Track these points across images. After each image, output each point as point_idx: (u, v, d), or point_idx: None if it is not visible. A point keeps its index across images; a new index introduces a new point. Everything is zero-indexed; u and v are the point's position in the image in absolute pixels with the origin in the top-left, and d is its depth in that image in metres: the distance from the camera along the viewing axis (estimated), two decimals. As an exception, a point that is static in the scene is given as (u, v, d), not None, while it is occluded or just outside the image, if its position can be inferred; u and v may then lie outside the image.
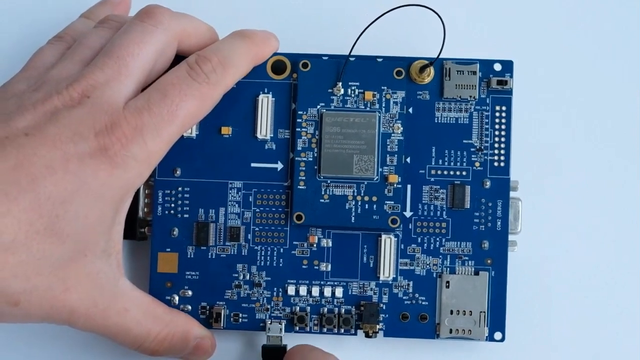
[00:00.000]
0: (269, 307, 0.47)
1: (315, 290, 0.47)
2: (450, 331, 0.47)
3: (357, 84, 0.47)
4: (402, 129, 0.47)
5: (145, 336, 0.44)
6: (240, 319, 0.47)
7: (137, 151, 0.41)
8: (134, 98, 0.42)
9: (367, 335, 0.47)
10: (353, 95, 0.47)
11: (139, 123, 0.41)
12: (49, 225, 0.39)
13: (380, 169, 0.47)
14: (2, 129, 0.40)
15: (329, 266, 0.47)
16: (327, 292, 0.47)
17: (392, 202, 0.47)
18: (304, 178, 0.47)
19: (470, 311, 0.47)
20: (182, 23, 0.44)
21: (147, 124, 0.41)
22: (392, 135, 0.47)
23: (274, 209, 0.48)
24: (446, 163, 0.47)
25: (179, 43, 0.44)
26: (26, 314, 0.40)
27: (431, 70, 0.47)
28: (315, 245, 0.47)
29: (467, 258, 0.47)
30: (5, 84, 0.43)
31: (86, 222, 0.40)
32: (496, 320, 0.47)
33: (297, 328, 0.47)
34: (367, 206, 0.47)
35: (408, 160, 0.47)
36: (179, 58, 0.45)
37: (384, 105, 0.47)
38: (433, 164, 0.47)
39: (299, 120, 0.47)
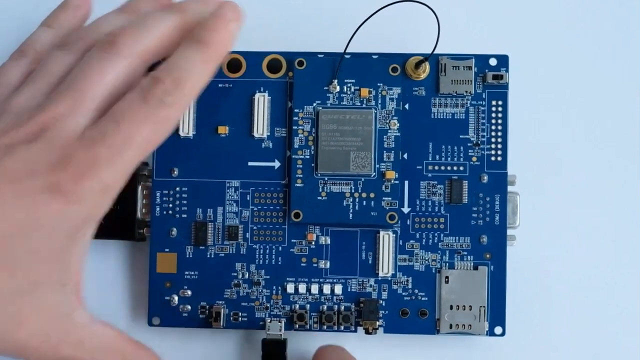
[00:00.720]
0: (268, 305, 0.47)
1: (315, 288, 0.47)
2: (451, 326, 0.47)
3: (353, 81, 0.48)
4: (398, 125, 0.47)
5: None
6: (240, 318, 0.47)
7: (91, 185, 0.39)
8: (90, 128, 0.40)
9: (367, 332, 0.47)
10: (349, 93, 0.47)
11: (92, 156, 0.39)
12: None
13: (377, 166, 0.47)
14: None
15: (328, 263, 0.47)
16: (327, 289, 0.47)
17: (390, 199, 0.47)
18: (301, 176, 0.47)
19: (470, 306, 0.47)
20: (145, 43, 0.42)
21: (101, 156, 0.39)
22: (389, 131, 0.47)
23: (271, 208, 0.48)
24: (443, 158, 0.47)
25: (147, 61, 0.43)
26: None
27: (427, 66, 0.47)
28: (313, 243, 0.47)
29: (465, 253, 0.47)
30: None
31: (37, 256, 0.39)
32: (496, 314, 0.47)
33: (297, 326, 0.47)
34: (364, 203, 0.47)
35: (405, 156, 0.47)
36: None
37: (380, 101, 0.47)
38: (430, 159, 0.47)
39: (295, 118, 0.47)
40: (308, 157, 0.47)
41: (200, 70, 0.41)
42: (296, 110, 0.47)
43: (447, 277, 0.47)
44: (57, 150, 0.39)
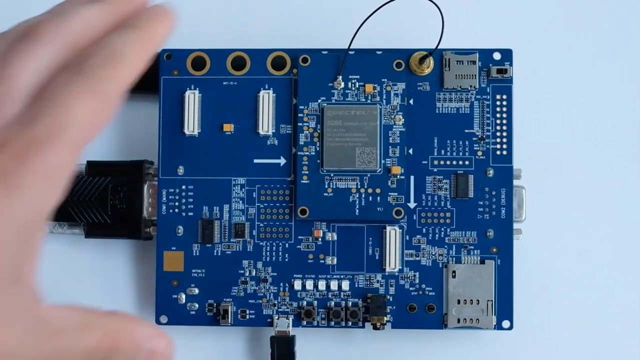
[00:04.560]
0: (275, 302, 0.47)
1: (322, 284, 0.47)
2: (458, 321, 0.47)
3: (357, 77, 0.48)
4: (403, 120, 0.47)
5: (88, 350, 0.39)
6: (248, 315, 0.47)
7: (34, 169, 0.35)
8: (24, 111, 0.36)
9: (375, 328, 0.47)
10: (353, 89, 0.48)
11: (30, 137, 0.36)
12: None
13: (382, 161, 0.47)
14: None
15: (335, 259, 0.47)
16: (334, 285, 0.47)
17: (396, 194, 0.47)
18: (307, 172, 0.47)
19: (478, 300, 0.47)
20: (68, 28, 0.40)
21: (40, 135, 0.36)
22: (394, 127, 0.47)
23: (277, 204, 0.48)
24: (448, 153, 0.47)
25: (74, 47, 0.41)
26: None
27: (431, 61, 0.48)
28: (320, 239, 0.47)
29: (472, 247, 0.47)
30: None
31: None
32: (504, 308, 0.47)
33: (305, 322, 0.47)
34: (370, 198, 0.47)
35: (410, 151, 0.47)
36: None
37: (384, 97, 0.47)
38: (435, 154, 0.48)
39: (300, 115, 0.48)
40: (313, 153, 0.47)
41: (134, 50, 0.38)
42: (301, 107, 0.48)
43: (454, 272, 0.47)
44: None
